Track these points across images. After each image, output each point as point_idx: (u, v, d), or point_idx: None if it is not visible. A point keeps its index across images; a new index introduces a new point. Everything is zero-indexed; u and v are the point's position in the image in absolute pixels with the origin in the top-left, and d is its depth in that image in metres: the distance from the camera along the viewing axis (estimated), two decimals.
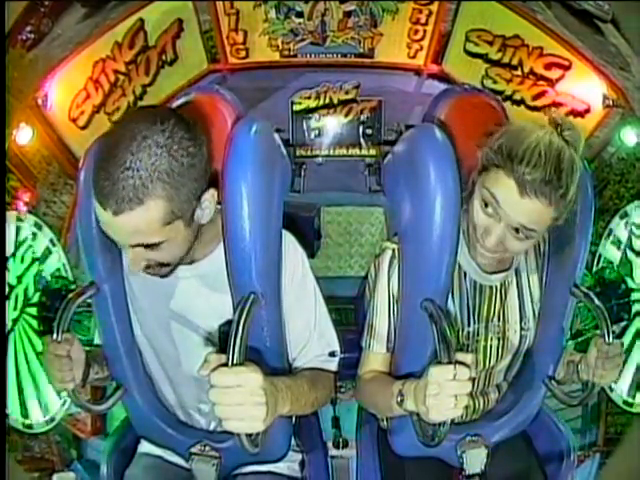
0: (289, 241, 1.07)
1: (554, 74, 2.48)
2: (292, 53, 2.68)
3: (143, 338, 1.12)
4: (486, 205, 1.00)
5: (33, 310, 2.13)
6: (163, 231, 0.90)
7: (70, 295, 1.04)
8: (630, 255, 2.22)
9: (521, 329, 1.15)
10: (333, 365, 1.12)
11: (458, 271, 1.10)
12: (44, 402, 2.12)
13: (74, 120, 2.40)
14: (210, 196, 0.95)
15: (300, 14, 2.62)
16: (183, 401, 1.15)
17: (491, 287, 1.13)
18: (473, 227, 1.04)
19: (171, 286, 1.06)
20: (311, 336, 1.09)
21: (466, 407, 0.90)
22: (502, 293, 1.14)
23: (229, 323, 0.89)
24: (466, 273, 1.12)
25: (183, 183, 0.88)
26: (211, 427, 1.15)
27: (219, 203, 1.00)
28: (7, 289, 2.10)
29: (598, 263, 2.23)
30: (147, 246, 0.91)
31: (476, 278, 1.12)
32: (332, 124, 2.73)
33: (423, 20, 2.60)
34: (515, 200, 0.96)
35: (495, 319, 1.14)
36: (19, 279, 2.15)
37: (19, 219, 2.17)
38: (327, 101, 2.72)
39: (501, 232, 1.00)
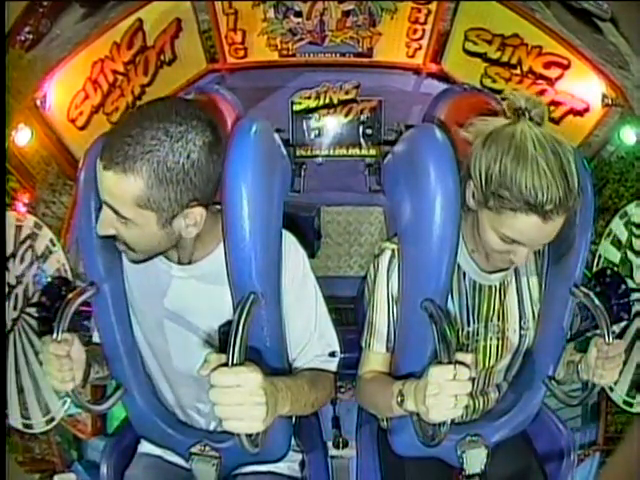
0: (289, 241, 1.07)
1: (553, 73, 2.48)
2: (291, 53, 2.67)
3: (142, 338, 1.12)
4: (506, 241, 1.00)
5: (33, 310, 2.12)
6: (133, 210, 0.91)
7: (70, 295, 1.04)
8: (630, 255, 2.22)
9: (520, 329, 1.16)
10: (333, 365, 1.12)
11: (457, 271, 1.10)
12: (44, 402, 2.11)
13: (73, 121, 2.40)
14: (198, 215, 0.95)
15: (299, 14, 2.62)
16: (182, 401, 1.16)
17: (490, 287, 1.13)
18: (491, 249, 1.04)
19: (170, 286, 1.06)
20: (311, 336, 1.09)
21: (466, 407, 0.90)
22: (501, 293, 1.14)
23: (229, 323, 0.90)
24: (465, 273, 1.12)
25: (169, 180, 0.89)
26: (210, 427, 1.16)
27: (219, 203, 1.00)
28: (7, 289, 2.10)
29: (598, 263, 2.23)
30: (116, 214, 0.92)
31: (475, 278, 1.12)
32: (332, 124, 2.73)
33: (422, 19, 2.59)
34: (540, 230, 0.97)
35: (494, 319, 1.14)
36: (19, 279, 2.14)
37: (19, 219, 2.17)
38: (327, 101, 2.71)
39: (529, 252, 1.01)
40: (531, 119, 0.99)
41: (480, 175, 0.99)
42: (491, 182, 0.97)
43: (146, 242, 0.96)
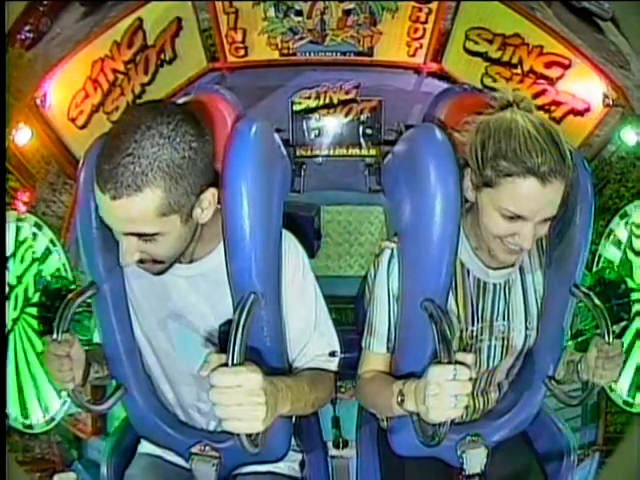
0: (289, 241, 1.07)
1: (554, 73, 2.48)
2: (291, 52, 2.67)
3: (142, 337, 1.12)
4: (509, 217, 0.99)
5: (33, 310, 2.12)
6: (158, 222, 0.90)
7: (70, 295, 1.04)
8: (630, 255, 2.22)
9: (526, 328, 1.15)
10: (333, 365, 1.11)
11: (461, 269, 1.10)
12: (44, 402, 2.12)
13: (73, 120, 2.40)
14: (210, 195, 0.95)
15: (299, 12, 2.62)
16: (182, 400, 1.15)
17: (495, 285, 1.13)
18: (495, 237, 1.02)
19: (171, 285, 1.06)
20: (311, 336, 1.09)
21: (466, 407, 0.90)
22: (506, 291, 1.14)
23: (229, 323, 0.90)
24: (469, 271, 1.11)
25: (183, 176, 0.89)
26: (210, 427, 1.15)
27: (219, 203, 1.00)
28: (7, 289, 2.10)
29: (598, 263, 2.23)
30: (141, 236, 0.91)
31: (479, 275, 1.11)
32: (332, 124, 2.73)
33: (423, 18, 2.59)
34: (539, 195, 0.96)
35: (499, 318, 1.14)
36: (19, 279, 2.15)
37: (19, 219, 2.17)
38: (327, 101, 2.72)
39: (533, 229, 0.99)
40: (522, 110, 1.01)
41: (476, 155, 1.00)
42: (487, 156, 0.98)
43: (174, 246, 0.96)
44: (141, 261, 0.96)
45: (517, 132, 0.96)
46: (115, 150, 0.86)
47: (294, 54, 2.68)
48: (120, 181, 0.86)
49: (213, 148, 0.95)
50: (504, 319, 1.14)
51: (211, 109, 1.05)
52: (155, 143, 0.86)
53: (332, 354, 1.11)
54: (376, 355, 1.13)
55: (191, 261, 1.04)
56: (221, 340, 1.04)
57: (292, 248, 1.07)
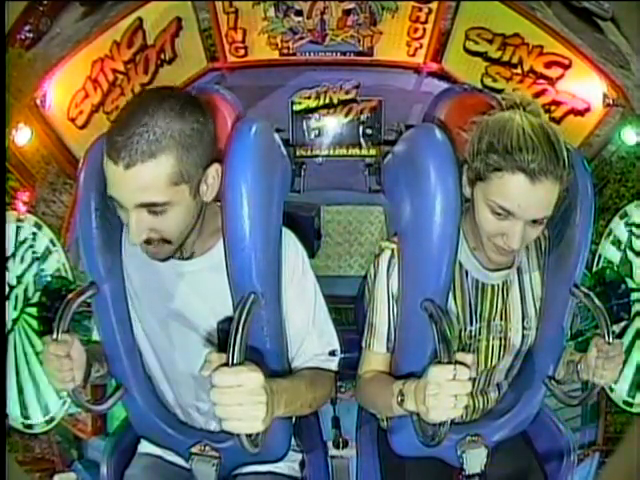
0: (289, 239, 1.08)
1: (554, 73, 2.48)
2: (291, 51, 2.67)
3: (142, 337, 1.12)
4: (498, 213, 1.00)
5: (33, 310, 2.12)
6: (169, 191, 0.92)
7: (70, 295, 1.04)
8: (630, 255, 2.22)
9: (523, 328, 1.15)
10: (333, 364, 1.12)
11: (459, 269, 1.10)
12: (44, 402, 2.12)
13: (73, 120, 2.40)
14: (214, 170, 0.97)
15: (299, 12, 2.62)
16: (181, 400, 1.16)
17: (493, 286, 1.13)
18: (487, 236, 1.03)
19: (170, 284, 1.06)
20: (309, 333, 1.09)
21: (466, 407, 0.90)
22: (504, 292, 1.14)
23: (228, 320, 0.90)
24: (467, 271, 1.11)
25: (193, 145, 0.92)
26: (210, 427, 1.16)
27: (219, 201, 1.01)
28: (7, 289, 2.10)
29: (598, 263, 2.22)
30: (152, 208, 0.92)
31: (477, 276, 1.12)
32: (332, 124, 2.73)
33: (423, 18, 2.59)
34: (528, 193, 0.96)
35: (497, 318, 1.14)
36: (19, 279, 2.14)
37: (19, 219, 2.17)
38: (327, 101, 2.72)
39: (522, 230, 0.99)
40: (527, 112, 1.01)
41: (472, 149, 1.01)
42: (481, 150, 0.99)
43: (183, 221, 0.97)
44: (149, 242, 0.96)
45: (511, 129, 0.97)
46: (128, 122, 0.90)
47: (294, 54, 2.67)
48: (135, 148, 0.88)
49: (214, 128, 0.98)
50: (501, 319, 1.14)
51: (211, 109, 1.05)
52: (167, 115, 0.90)
53: (332, 353, 1.11)
54: (376, 355, 1.13)
55: (190, 257, 1.05)
56: (220, 339, 1.04)
57: (292, 246, 1.07)
